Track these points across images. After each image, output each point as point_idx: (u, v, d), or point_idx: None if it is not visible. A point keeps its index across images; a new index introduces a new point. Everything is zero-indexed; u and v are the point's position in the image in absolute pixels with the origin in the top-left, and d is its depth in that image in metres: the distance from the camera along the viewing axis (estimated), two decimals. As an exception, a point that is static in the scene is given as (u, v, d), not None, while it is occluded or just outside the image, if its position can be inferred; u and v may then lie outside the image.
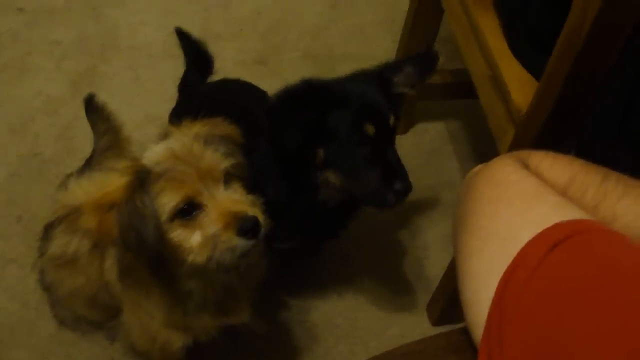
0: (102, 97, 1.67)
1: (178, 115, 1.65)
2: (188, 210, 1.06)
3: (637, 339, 0.52)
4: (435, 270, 1.75)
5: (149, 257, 1.06)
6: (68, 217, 1.33)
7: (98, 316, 1.50)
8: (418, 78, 1.36)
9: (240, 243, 1.07)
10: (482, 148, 1.98)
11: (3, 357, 1.55)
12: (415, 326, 1.67)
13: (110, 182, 1.05)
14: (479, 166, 0.87)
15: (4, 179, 1.84)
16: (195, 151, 1.09)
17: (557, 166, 0.79)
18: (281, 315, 1.67)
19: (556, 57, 1.00)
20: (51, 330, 1.59)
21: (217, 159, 1.10)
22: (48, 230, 1.42)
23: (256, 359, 1.59)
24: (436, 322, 1.67)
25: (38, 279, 1.57)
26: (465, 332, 0.76)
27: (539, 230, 0.64)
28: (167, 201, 1.04)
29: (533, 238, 0.64)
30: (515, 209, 0.71)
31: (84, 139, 1.81)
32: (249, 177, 1.17)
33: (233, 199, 1.10)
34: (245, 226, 1.07)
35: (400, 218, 1.85)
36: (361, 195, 1.31)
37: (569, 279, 0.59)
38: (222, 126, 1.19)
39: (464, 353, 0.76)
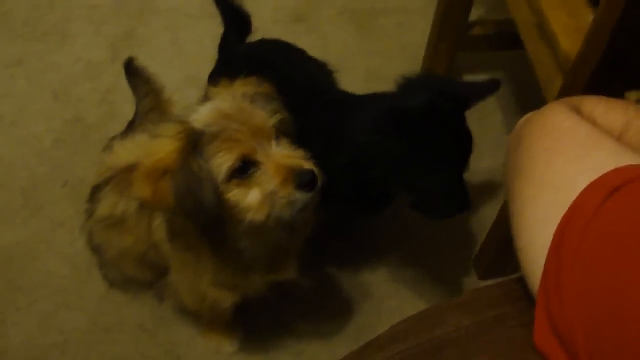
0: (142, 60, 1.68)
1: (217, 76, 1.64)
2: (244, 169, 1.06)
3: None
4: (480, 222, 1.74)
5: (206, 220, 1.06)
6: (115, 179, 1.34)
7: (147, 276, 1.51)
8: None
9: (300, 196, 1.08)
10: (526, 100, 1.94)
11: (56, 318, 1.58)
12: (462, 280, 1.67)
13: (160, 147, 1.04)
14: (530, 113, 0.85)
15: (49, 145, 1.86)
16: (244, 110, 1.09)
17: (611, 111, 0.77)
18: (328, 271, 1.67)
19: (605, 3, 0.97)
20: (101, 292, 1.62)
21: (265, 116, 1.10)
22: (95, 192, 1.43)
23: (303, 315, 1.60)
24: (483, 276, 1.66)
25: (86, 241, 1.58)
26: (520, 281, 0.76)
27: (596, 176, 0.63)
28: (223, 162, 1.04)
29: (590, 184, 0.62)
30: (570, 155, 0.69)
31: (125, 103, 1.82)
32: (295, 133, 1.17)
33: (286, 154, 1.10)
34: (303, 179, 1.07)
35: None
36: (426, 209, 1.38)
37: (628, 225, 0.58)
38: (260, 85, 1.18)
39: (520, 302, 0.76)
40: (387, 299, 1.64)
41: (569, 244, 0.61)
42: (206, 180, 1.03)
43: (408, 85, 1.33)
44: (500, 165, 1.84)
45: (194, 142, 1.03)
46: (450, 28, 1.81)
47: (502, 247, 1.55)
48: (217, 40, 1.75)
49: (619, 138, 0.73)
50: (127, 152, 1.37)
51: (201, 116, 1.08)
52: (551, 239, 0.63)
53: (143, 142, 1.32)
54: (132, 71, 1.69)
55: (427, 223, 1.74)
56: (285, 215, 1.09)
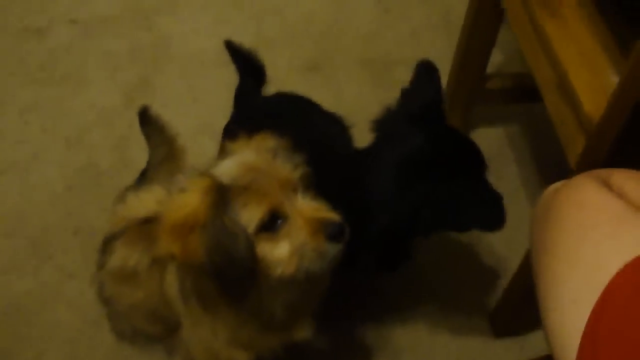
0: (156, 107, 1.68)
1: (233, 128, 1.63)
2: (272, 222, 1.05)
3: None
4: (494, 278, 1.71)
5: (239, 275, 1.05)
6: (128, 231, 1.32)
7: (157, 330, 1.48)
8: None
9: (330, 248, 1.08)
10: (543, 154, 1.93)
11: (64, 372, 1.56)
12: (477, 337, 1.64)
13: (188, 201, 1.03)
14: (557, 184, 0.82)
15: (61, 191, 1.85)
16: (269, 163, 1.09)
17: None
18: (344, 331, 1.64)
19: (632, 64, 0.96)
20: (110, 344, 1.59)
21: (290, 169, 1.10)
22: (107, 243, 1.41)
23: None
24: (499, 334, 1.63)
25: (97, 292, 1.56)
26: (551, 360, 0.73)
27: (630, 257, 0.60)
28: (252, 215, 1.03)
29: (626, 265, 0.60)
30: (604, 232, 0.67)
31: (138, 150, 1.81)
32: (314, 185, 1.16)
33: (313, 207, 1.09)
34: (333, 230, 1.07)
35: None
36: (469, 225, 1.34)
37: None
38: (278, 139, 1.18)
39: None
40: (403, 354, 1.60)
41: (605, 329, 0.58)
42: (239, 234, 1.02)
43: (389, 127, 1.35)
44: (516, 218, 1.82)
45: (224, 197, 1.02)
46: (467, 80, 1.80)
47: (519, 305, 1.52)
48: (232, 89, 1.75)
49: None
50: (141, 203, 1.35)
51: (227, 169, 1.07)
52: (584, 322, 0.60)
53: (162, 194, 1.31)
54: (147, 120, 1.68)
55: (441, 280, 1.73)
56: (316, 267, 1.09)
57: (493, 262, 1.75)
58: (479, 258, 1.76)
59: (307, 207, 1.08)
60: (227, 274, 1.04)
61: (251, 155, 1.10)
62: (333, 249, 1.08)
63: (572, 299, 0.64)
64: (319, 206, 1.10)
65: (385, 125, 1.35)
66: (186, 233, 1.01)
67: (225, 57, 1.78)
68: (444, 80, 1.86)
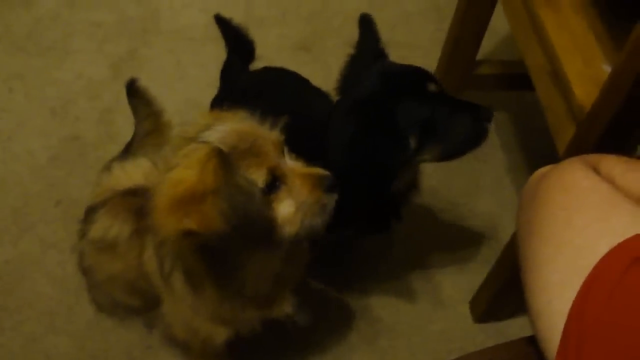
0: (143, 80, 1.65)
1: (220, 103, 1.62)
2: (273, 183, 1.06)
3: None
4: (477, 264, 1.71)
5: (258, 236, 1.05)
6: (111, 201, 1.31)
7: (137, 302, 1.47)
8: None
9: (329, 199, 1.11)
10: (529, 141, 1.93)
11: (42, 342, 1.54)
12: (458, 322, 1.64)
13: (185, 174, 1.00)
14: (545, 168, 0.82)
15: (45, 162, 1.83)
16: (259, 129, 1.09)
17: (630, 173, 0.75)
18: (322, 307, 1.64)
19: (628, 53, 0.95)
20: (90, 316, 1.58)
21: (277, 133, 1.11)
22: (90, 213, 1.40)
23: (296, 351, 1.57)
24: (479, 319, 1.64)
25: (77, 262, 1.55)
26: (532, 343, 0.73)
27: (617, 240, 0.60)
28: (257, 177, 1.04)
29: (612, 249, 0.60)
30: (590, 216, 0.67)
31: (124, 123, 1.80)
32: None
33: (302, 165, 1.13)
34: (329, 182, 1.11)
35: (443, 209, 1.82)
36: (458, 147, 1.31)
37: None
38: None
39: (533, 367, 0.73)
40: (381, 336, 1.60)
41: (591, 313, 0.58)
42: (254, 192, 1.02)
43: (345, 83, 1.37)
44: (499, 206, 1.82)
45: (227, 159, 1.00)
46: (457, 66, 1.80)
47: (500, 291, 1.53)
48: (220, 65, 1.73)
49: (638, 200, 0.71)
50: (127, 174, 1.34)
51: (219, 136, 1.06)
52: (570, 304, 0.60)
53: (148, 167, 1.30)
54: (134, 92, 1.66)
55: (423, 257, 1.73)
56: (318, 221, 1.11)
57: (476, 247, 1.75)
58: (463, 243, 1.77)
59: (298, 165, 1.11)
60: (247, 236, 1.03)
61: (239, 123, 1.10)
62: (331, 200, 1.11)
63: (559, 281, 0.64)
64: (305, 164, 1.13)
65: (343, 83, 1.38)
66: (197, 204, 0.98)
67: (215, 32, 1.76)
68: (434, 65, 1.87)
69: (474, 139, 1.30)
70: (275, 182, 1.06)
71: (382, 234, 1.57)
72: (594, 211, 0.68)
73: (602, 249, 0.61)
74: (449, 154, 1.32)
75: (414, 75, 1.29)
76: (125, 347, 1.55)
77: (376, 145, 1.23)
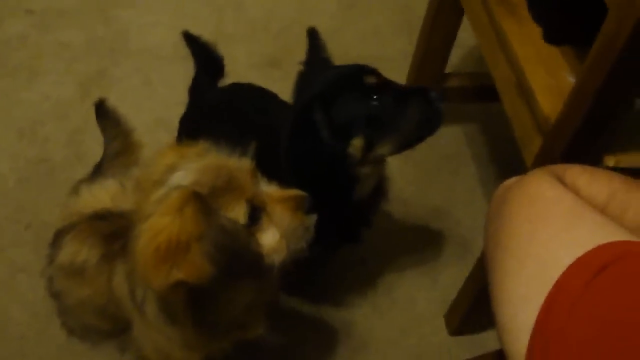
0: (112, 100, 1.65)
1: (188, 121, 1.62)
2: (254, 214, 1.04)
3: None
4: (450, 278, 1.71)
5: (250, 269, 1.05)
6: (79, 225, 1.30)
7: (108, 326, 1.45)
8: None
9: (311, 220, 1.11)
10: (501, 152, 1.93)
11: (12, 368, 1.52)
12: (432, 335, 1.64)
13: (164, 223, 0.95)
14: (512, 179, 0.82)
15: (13, 185, 1.81)
16: (227, 160, 1.06)
17: (595, 183, 0.75)
18: (295, 325, 1.63)
19: (589, 66, 0.96)
20: (61, 341, 1.55)
21: (246, 161, 1.09)
22: (58, 237, 1.38)
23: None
24: (454, 332, 1.63)
25: (46, 286, 1.52)
26: (501, 357, 0.72)
27: (581, 252, 0.60)
28: (237, 212, 1.01)
29: (575, 261, 0.60)
30: (554, 228, 0.67)
31: (93, 144, 1.78)
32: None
33: (275, 189, 1.11)
34: (307, 202, 1.10)
35: (415, 223, 1.82)
36: (415, 135, 1.28)
37: (615, 309, 0.55)
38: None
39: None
40: (356, 353, 1.59)
41: (554, 326, 0.58)
42: (239, 230, 1.01)
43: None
44: (472, 218, 1.83)
45: (204, 202, 0.97)
46: (426, 78, 1.81)
47: (475, 304, 1.52)
48: (189, 83, 1.73)
49: (603, 210, 0.71)
50: (94, 198, 1.32)
51: (193, 176, 1.02)
52: (535, 317, 0.60)
53: (115, 189, 1.28)
54: (103, 112, 1.65)
55: (396, 271, 1.72)
56: (302, 244, 1.10)
57: (449, 261, 1.75)
58: (436, 256, 1.76)
59: (273, 190, 1.09)
60: (236, 273, 1.02)
61: (208, 159, 1.06)
62: (312, 220, 1.11)
63: (523, 294, 0.64)
64: (277, 186, 1.11)
65: (295, 97, 1.37)
66: (182, 254, 0.94)
67: (183, 51, 1.76)
68: (404, 78, 1.87)
69: (429, 123, 1.28)
70: (255, 213, 1.04)
71: (353, 243, 1.54)
72: (558, 223, 0.67)
73: (567, 261, 0.60)
74: (405, 144, 1.28)
75: (349, 72, 1.26)
76: (97, 371, 1.53)
77: (317, 151, 1.22)
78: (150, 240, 0.95)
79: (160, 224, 0.95)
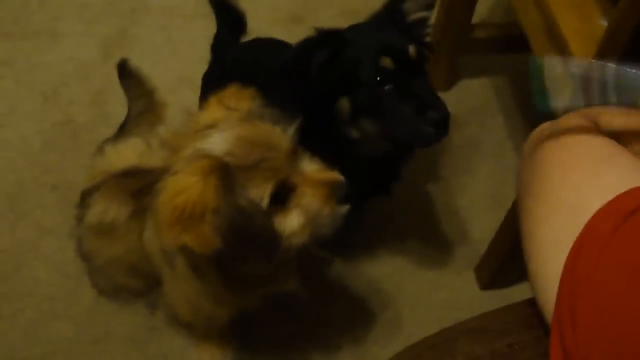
0: (134, 60, 1.63)
1: (210, 78, 1.60)
2: (280, 194, 1.01)
3: None
4: (480, 231, 1.69)
5: (263, 252, 1.02)
6: (106, 184, 1.29)
7: (139, 284, 1.46)
8: None
9: (343, 210, 1.07)
10: (529, 104, 1.89)
11: (43, 328, 1.52)
12: (463, 290, 1.62)
13: (187, 185, 0.95)
14: (546, 124, 0.80)
15: (38, 148, 1.81)
16: (265, 133, 1.03)
17: (631, 123, 0.73)
18: (325, 280, 1.62)
19: (623, 8, 0.93)
20: (91, 301, 1.56)
21: (286, 134, 1.05)
22: (85, 197, 1.37)
23: (299, 326, 1.55)
24: (485, 286, 1.62)
25: (76, 247, 1.53)
26: (533, 305, 0.71)
27: (611, 196, 0.58)
28: (262, 191, 0.98)
29: (603, 207, 0.58)
30: (585, 173, 0.65)
31: (117, 104, 1.76)
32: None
33: (315, 169, 1.07)
34: (342, 192, 1.06)
35: (444, 177, 1.80)
36: (401, 136, 1.23)
37: None
38: (246, 93, 1.12)
39: (534, 329, 0.70)
40: (386, 308, 1.59)
41: (582, 272, 0.56)
42: (256, 212, 0.98)
43: None
44: (502, 171, 1.80)
45: (229, 176, 0.96)
46: (452, 30, 1.77)
47: (506, 257, 1.51)
48: (211, 40, 1.70)
49: (638, 153, 0.69)
50: (120, 156, 1.31)
51: (223, 144, 1.00)
52: (563, 265, 0.58)
53: (141, 147, 1.26)
54: (125, 73, 1.64)
55: (425, 226, 1.70)
56: (328, 232, 1.07)
57: (479, 215, 1.73)
58: (465, 210, 1.74)
59: (311, 172, 1.06)
60: (247, 255, 1.02)
61: (247, 128, 1.03)
62: (345, 210, 1.07)
63: (553, 241, 0.63)
64: (320, 166, 1.08)
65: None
66: (195, 221, 0.94)
67: (205, 8, 1.73)
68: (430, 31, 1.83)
69: (415, 137, 1.22)
70: (284, 193, 1.02)
71: (383, 196, 1.52)
72: (590, 167, 0.66)
73: (595, 206, 0.59)
74: (391, 138, 1.26)
75: (373, 45, 1.22)
76: (128, 330, 1.53)
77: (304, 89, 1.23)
78: (170, 198, 0.95)
79: (183, 185, 0.95)
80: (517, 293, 1.59)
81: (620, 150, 0.67)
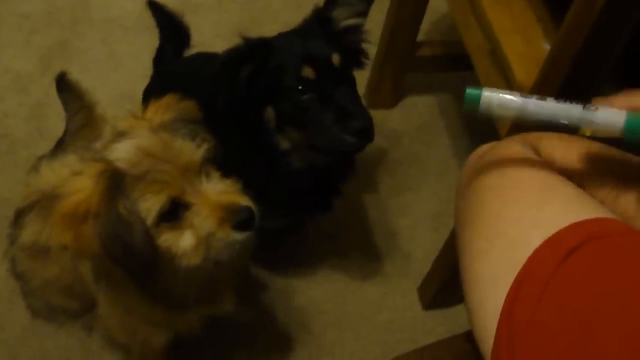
0: (75, 73, 1.58)
1: (152, 92, 1.57)
2: (174, 212, 0.97)
3: None
4: (424, 250, 1.69)
5: (138, 266, 0.97)
6: (40, 203, 1.25)
7: (74, 306, 1.41)
8: (364, 3, 1.28)
9: (239, 237, 1.00)
10: (474, 123, 1.90)
11: (-26, 352, 1.47)
12: (406, 310, 1.61)
13: (80, 187, 0.94)
14: (484, 147, 0.79)
15: (-28, 162, 1.75)
16: (168, 145, 0.99)
17: (572, 152, 0.72)
18: (266, 300, 1.59)
19: (565, 33, 0.92)
20: (25, 323, 1.51)
21: (192, 150, 1.01)
22: (19, 216, 1.33)
23: (241, 349, 1.52)
24: (428, 306, 1.61)
25: (9, 268, 1.48)
26: (470, 339, 0.69)
27: (552, 231, 0.57)
28: (151, 205, 0.94)
29: (544, 242, 0.56)
30: (525, 204, 0.63)
31: (55, 118, 1.72)
32: (221, 158, 1.08)
33: (219, 190, 1.02)
34: (241, 218, 1.00)
35: (388, 195, 1.79)
36: (322, 145, 1.22)
37: (585, 295, 0.52)
38: (179, 105, 1.09)
39: (470, 365, 0.69)
40: (328, 329, 1.57)
41: (521, 313, 0.54)
42: (135, 223, 0.93)
43: None
44: (446, 190, 1.80)
45: (118, 184, 0.93)
46: (398, 47, 1.76)
47: (448, 277, 1.50)
48: (154, 54, 1.67)
49: (580, 183, 0.68)
50: (55, 174, 1.27)
51: (123, 154, 0.97)
52: (502, 303, 0.57)
53: (77, 165, 1.22)
54: (64, 86, 1.59)
55: (368, 245, 1.69)
56: (225, 257, 1.01)
57: (422, 234, 1.72)
58: (409, 230, 1.74)
59: (212, 192, 1.01)
60: (128, 265, 0.97)
61: (148, 139, 1.00)
62: (241, 238, 1.01)
63: (492, 277, 0.60)
64: (227, 188, 1.03)
65: None
66: (78, 222, 0.92)
67: (148, 21, 1.71)
68: (375, 48, 1.83)
69: (336, 145, 1.20)
70: (177, 209, 0.97)
71: (324, 212, 1.49)
72: (530, 199, 0.64)
73: (536, 241, 0.57)
74: (312, 146, 1.24)
75: (296, 54, 1.21)
76: (63, 352, 1.48)
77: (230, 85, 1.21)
78: (65, 196, 0.94)
79: (79, 185, 0.94)
80: (460, 313, 1.59)
81: (562, 181, 0.66)
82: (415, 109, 1.95)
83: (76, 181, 0.95)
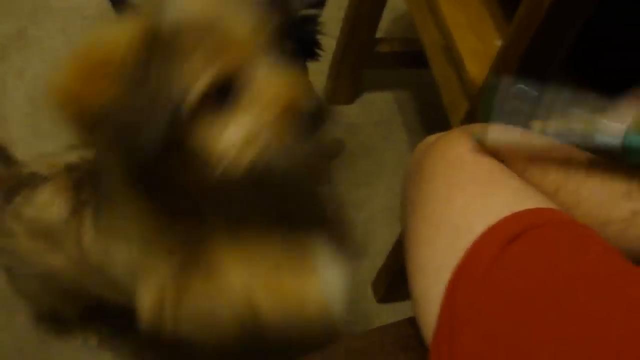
0: (33, 62, 1.57)
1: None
2: (224, 93, 0.73)
3: (597, 354, 0.47)
4: (379, 244, 1.69)
5: (143, 161, 0.73)
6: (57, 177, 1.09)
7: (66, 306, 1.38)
8: None
9: (302, 139, 0.76)
10: (431, 119, 1.93)
11: None
12: (360, 303, 1.63)
13: (111, 38, 0.72)
14: (432, 137, 0.80)
15: None
16: (231, 10, 0.74)
17: (514, 140, 0.73)
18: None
19: (515, 30, 0.95)
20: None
21: (258, 20, 0.75)
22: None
23: None
24: (382, 299, 1.63)
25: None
26: (414, 325, 0.71)
27: (495, 220, 0.58)
28: (196, 78, 0.70)
29: (487, 230, 0.58)
30: (470, 193, 0.65)
31: (13, 108, 1.70)
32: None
33: (285, 78, 0.77)
34: (308, 116, 0.75)
35: (345, 190, 1.80)
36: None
37: (524, 282, 0.54)
38: None
39: (414, 350, 0.70)
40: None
41: (462, 299, 0.56)
42: (166, 96, 0.70)
43: None
44: (401, 184, 1.81)
45: (160, 38, 0.70)
46: (356, 44, 1.78)
47: (402, 271, 1.51)
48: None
49: (522, 173, 0.70)
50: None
51: (176, 11, 0.72)
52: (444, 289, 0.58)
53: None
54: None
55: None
56: (279, 166, 0.77)
57: (378, 228, 1.74)
58: (364, 224, 1.75)
59: (276, 78, 0.75)
60: (130, 153, 0.74)
61: None
62: (304, 144, 0.77)
63: (436, 264, 0.62)
64: (293, 78, 0.77)
65: None
66: (97, 73, 0.71)
67: (109, 11, 1.69)
68: (333, 44, 1.84)
69: None
70: (228, 91, 0.73)
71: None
72: (474, 188, 0.66)
73: (479, 229, 0.59)
74: None
75: None
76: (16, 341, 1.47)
77: None
78: (92, 42, 0.75)
79: (104, 37, 0.74)
80: (413, 306, 1.61)
81: (505, 171, 0.68)
82: (373, 104, 1.96)
83: (109, 30, 0.75)
